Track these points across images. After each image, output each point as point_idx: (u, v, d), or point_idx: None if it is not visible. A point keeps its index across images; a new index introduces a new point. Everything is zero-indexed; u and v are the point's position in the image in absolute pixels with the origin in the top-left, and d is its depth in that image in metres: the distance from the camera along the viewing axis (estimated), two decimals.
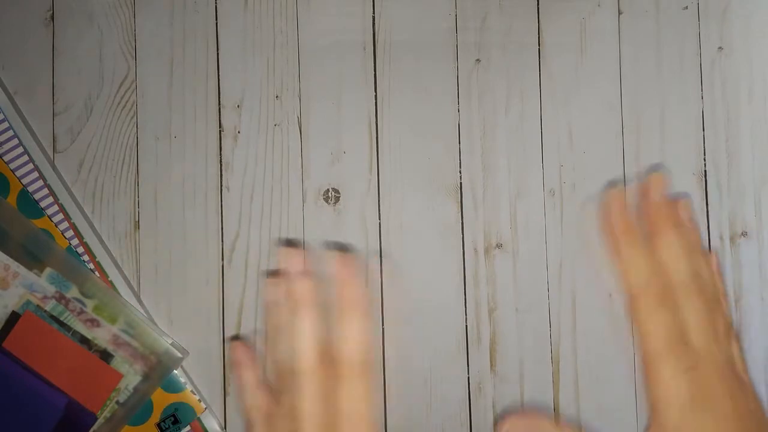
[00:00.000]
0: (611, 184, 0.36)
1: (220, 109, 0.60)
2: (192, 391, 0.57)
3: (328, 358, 0.28)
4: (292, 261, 0.30)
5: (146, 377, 0.56)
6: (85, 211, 0.58)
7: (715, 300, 0.31)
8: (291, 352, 0.29)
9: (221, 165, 0.60)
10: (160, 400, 0.57)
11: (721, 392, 0.28)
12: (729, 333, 0.30)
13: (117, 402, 0.56)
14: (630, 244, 0.31)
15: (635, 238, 0.32)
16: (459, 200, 0.61)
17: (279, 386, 0.30)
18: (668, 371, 0.28)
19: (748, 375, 0.30)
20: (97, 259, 0.57)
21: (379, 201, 0.60)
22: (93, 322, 0.56)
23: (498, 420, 0.31)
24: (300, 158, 0.60)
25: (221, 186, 0.60)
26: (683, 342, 0.29)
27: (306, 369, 0.28)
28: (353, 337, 0.28)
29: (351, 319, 0.29)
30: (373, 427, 0.27)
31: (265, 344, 0.32)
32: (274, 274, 0.30)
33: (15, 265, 0.55)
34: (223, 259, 0.59)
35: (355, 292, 0.29)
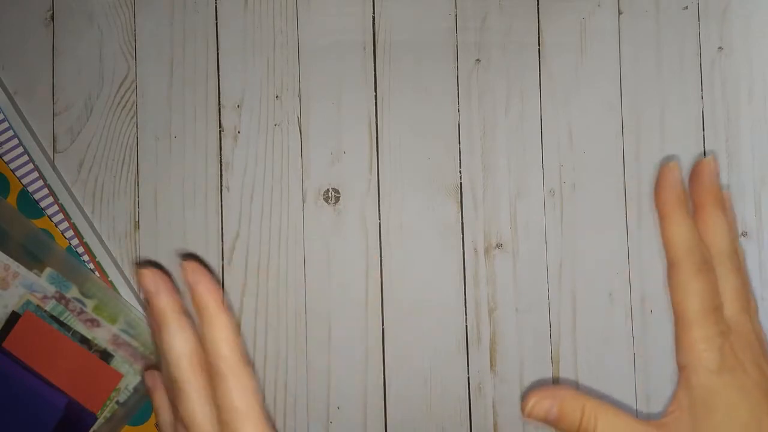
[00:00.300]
0: (667, 159, 0.36)
1: (220, 109, 0.60)
2: None
3: (200, 361, 0.29)
4: (150, 281, 0.30)
5: None
6: (85, 211, 0.58)
7: (748, 282, 0.32)
8: (168, 363, 0.29)
9: (221, 165, 0.60)
10: None
11: (750, 360, 0.29)
12: (756, 314, 0.32)
13: (117, 402, 0.56)
14: (679, 213, 0.32)
15: (684, 209, 0.33)
16: (459, 200, 0.61)
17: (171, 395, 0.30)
18: (700, 335, 0.29)
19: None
20: (97, 259, 0.57)
21: (379, 201, 0.60)
22: (93, 322, 0.56)
23: (523, 397, 0.31)
24: (300, 158, 0.60)
25: (221, 186, 0.60)
26: (717, 309, 0.30)
27: (184, 376, 0.29)
28: (217, 335, 0.29)
29: (210, 318, 0.29)
30: (260, 420, 0.28)
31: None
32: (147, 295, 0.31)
33: (15, 265, 0.55)
34: (223, 259, 0.59)
35: (206, 293, 0.29)
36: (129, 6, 0.60)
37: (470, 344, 0.60)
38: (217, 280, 0.31)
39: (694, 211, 0.32)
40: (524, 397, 0.30)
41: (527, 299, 0.60)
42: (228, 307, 0.29)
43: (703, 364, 0.29)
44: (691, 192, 0.33)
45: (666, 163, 0.32)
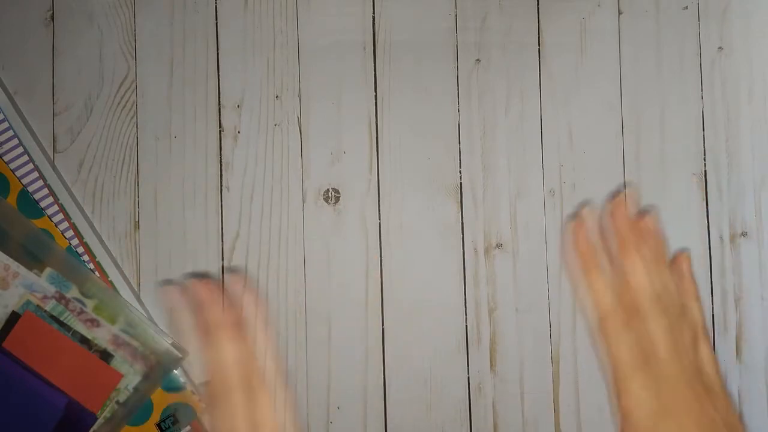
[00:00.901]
0: (574, 213, 0.37)
1: (220, 109, 0.60)
2: (192, 391, 0.57)
3: (245, 373, 0.29)
4: (203, 291, 0.30)
5: (146, 377, 0.56)
6: (85, 211, 0.58)
7: (683, 310, 0.33)
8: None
9: (221, 165, 0.60)
10: (160, 400, 0.57)
11: (689, 400, 0.30)
12: (696, 340, 0.32)
13: (117, 402, 0.56)
14: (595, 268, 0.33)
15: (599, 263, 0.33)
16: (459, 200, 0.61)
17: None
18: (637, 385, 0.30)
19: (720, 374, 0.32)
20: (97, 259, 0.57)
21: (379, 201, 0.60)
22: (93, 322, 0.56)
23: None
24: (300, 158, 0.60)
25: (221, 186, 0.60)
26: (650, 358, 0.31)
27: (231, 386, 0.29)
28: (263, 349, 0.29)
29: (255, 332, 0.30)
30: None
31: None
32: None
33: (15, 265, 0.55)
34: (223, 259, 0.59)
35: (252, 305, 0.30)
36: (129, 6, 0.60)
37: (470, 344, 0.60)
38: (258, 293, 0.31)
39: (614, 256, 0.33)
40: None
41: (527, 299, 0.60)
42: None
43: (643, 414, 0.29)
44: (610, 235, 0.34)
45: (569, 221, 0.33)
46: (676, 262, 0.34)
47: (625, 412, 0.30)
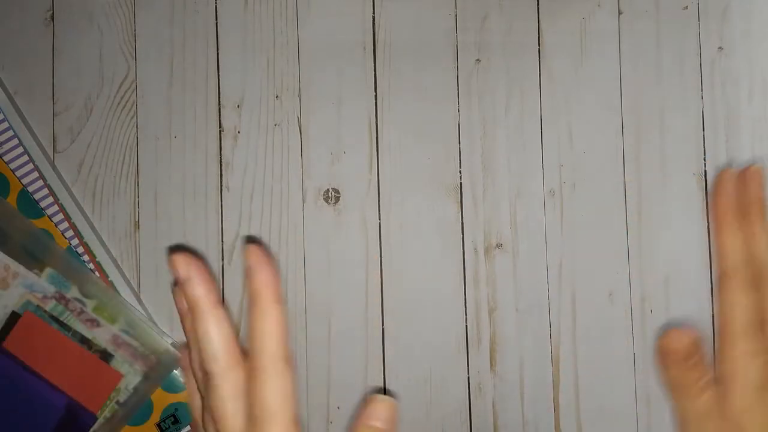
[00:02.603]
0: (724, 167, 0.36)
1: (220, 109, 0.60)
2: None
3: (241, 355, 0.27)
4: (183, 267, 0.28)
5: (146, 377, 0.56)
6: (85, 211, 0.58)
7: None
8: (204, 354, 0.27)
9: (221, 165, 0.60)
10: (160, 400, 0.57)
11: None
12: None
13: (117, 402, 0.56)
14: (734, 224, 0.32)
15: (739, 220, 0.32)
16: (459, 200, 0.61)
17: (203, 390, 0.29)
18: (745, 349, 0.29)
19: None
20: (97, 259, 0.57)
21: (379, 201, 0.60)
22: (93, 322, 0.56)
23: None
24: (300, 158, 0.60)
25: (221, 186, 0.60)
26: (764, 325, 0.30)
27: (219, 370, 0.27)
28: (267, 328, 0.27)
29: (263, 309, 0.28)
30: (291, 423, 0.26)
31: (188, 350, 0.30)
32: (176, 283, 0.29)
33: (15, 265, 0.55)
34: (223, 259, 0.59)
35: (264, 282, 0.27)
36: (129, 6, 0.60)
37: (470, 344, 0.60)
38: (278, 270, 0.29)
39: (747, 221, 0.32)
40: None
41: (527, 299, 0.60)
42: (282, 301, 0.28)
43: (743, 383, 0.29)
44: (739, 199, 0.33)
45: (725, 169, 0.32)
46: None
47: (723, 378, 0.29)
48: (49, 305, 0.55)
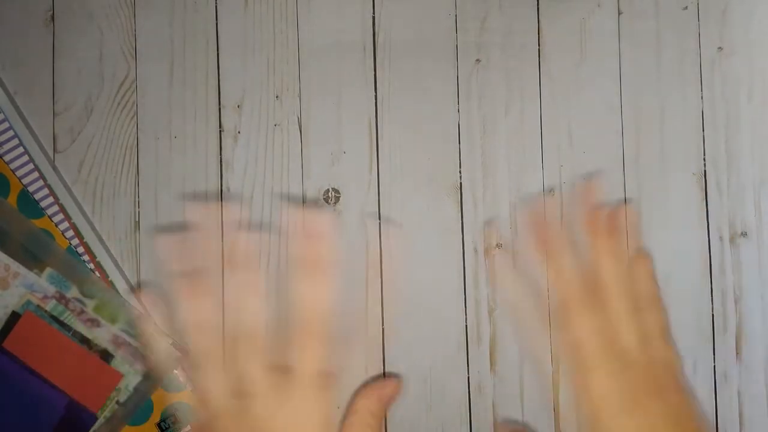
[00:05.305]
0: (544, 192, 0.36)
1: (220, 109, 0.60)
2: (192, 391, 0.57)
3: (280, 372, 0.27)
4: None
5: (146, 377, 0.56)
6: (85, 211, 0.58)
7: (648, 301, 0.32)
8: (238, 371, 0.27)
9: (221, 165, 0.60)
10: (160, 400, 0.57)
11: (653, 392, 0.29)
12: (664, 334, 0.31)
13: (117, 402, 0.56)
14: (560, 250, 0.32)
15: (565, 245, 0.33)
16: (459, 200, 0.61)
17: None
18: (600, 374, 0.29)
19: (684, 375, 0.31)
20: (97, 259, 0.57)
21: (379, 201, 0.60)
22: (93, 322, 0.56)
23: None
24: (300, 158, 0.60)
25: (221, 186, 0.60)
26: (613, 345, 0.30)
27: (254, 391, 0.26)
28: (312, 305, 0.27)
29: (311, 284, 0.27)
30: None
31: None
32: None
33: (15, 265, 0.55)
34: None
35: (321, 252, 0.27)
36: (129, 6, 0.60)
37: (470, 344, 0.60)
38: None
39: (579, 240, 0.32)
40: None
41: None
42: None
43: (606, 404, 0.29)
44: (577, 219, 0.33)
45: (546, 195, 0.33)
46: (638, 260, 0.34)
47: (587, 403, 0.29)
48: (50, 305, 0.55)
